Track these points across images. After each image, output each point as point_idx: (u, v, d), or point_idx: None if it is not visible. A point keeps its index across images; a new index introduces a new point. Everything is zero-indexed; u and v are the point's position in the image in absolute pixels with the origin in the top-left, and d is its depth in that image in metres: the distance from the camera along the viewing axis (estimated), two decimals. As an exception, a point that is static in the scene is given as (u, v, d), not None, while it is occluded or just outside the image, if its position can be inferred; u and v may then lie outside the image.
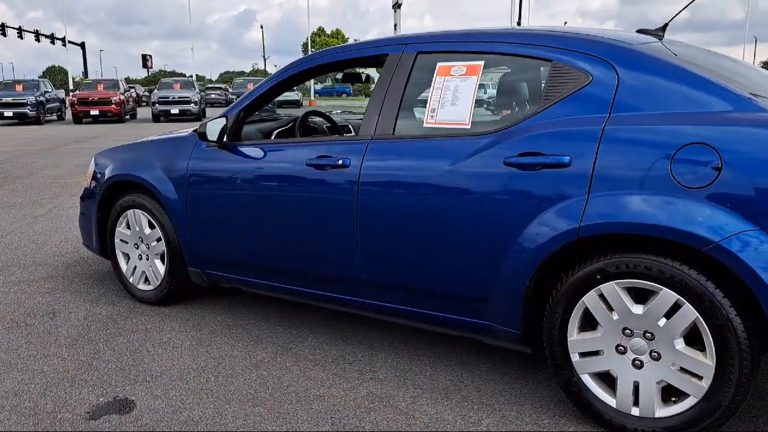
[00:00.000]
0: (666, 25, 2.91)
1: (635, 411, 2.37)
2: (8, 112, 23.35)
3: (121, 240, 4.06)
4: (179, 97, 24.70)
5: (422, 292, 2.89)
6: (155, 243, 3.87)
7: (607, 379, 2.47)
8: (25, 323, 3.68)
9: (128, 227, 4.00)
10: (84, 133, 18.77)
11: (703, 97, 2.34)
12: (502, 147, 2.59)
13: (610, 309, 2.38)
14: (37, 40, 45.33)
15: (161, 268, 3.87)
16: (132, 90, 29.26)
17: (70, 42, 46.59)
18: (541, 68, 2.91)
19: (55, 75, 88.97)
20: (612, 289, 2.35)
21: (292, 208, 3.19)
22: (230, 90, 38.21)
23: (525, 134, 2.56)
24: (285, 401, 2.76)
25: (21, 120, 23.64)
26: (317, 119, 4.21)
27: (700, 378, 2.24)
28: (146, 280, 3.98)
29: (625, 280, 2.32)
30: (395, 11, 29.69)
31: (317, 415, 2.64)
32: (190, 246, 3.66)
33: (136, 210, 3.91)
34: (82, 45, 51.03)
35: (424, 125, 2.88)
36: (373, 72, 4.25)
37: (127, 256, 4.07)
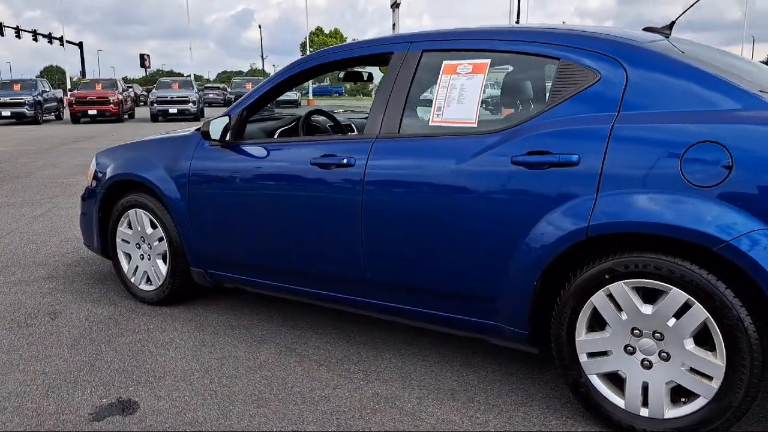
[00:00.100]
0: (673, 23, 2.89)
1: (644, 412, 2.35)
2: (6, 112, 23.28)
3: (123, 240, 4.03)
4: (178, 97, 24.66)
5: (427, 292, 2.87)
6: (157, 243, 3.84)
7: (616, 380, 2.45)
8: (26, 324, 3.65)
9: (130, 227, 3.98)
10: (82, 133, 18.72)
11: (712, 95, 2.32)
12: (509, 146, 2.57)
13: (619, 309, 2.36)
14: (35, 39, 45.29)
15: (163, 268, 3.84)
16: (130, 89, 29.20)
17: (67, 42, 46.52)
18: (549, 66, 2.88)
19: (53, 75, 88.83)
20: (621, 288, 2.33)
21: (295, 208, 3.16)
22: (228, 90, 38.13)
23: (532, 133, 2.54)
24: (290, 402, 2.74)
25: (19, 120, 23.58)
26: (320, 118, 4.18)
27: (710, 378, 2.22)
28: (148, 280, 3.95)
29: (634, 280, 2.30)
30: (394, 11, 29.70)
31: (323, 416, 2.62)
32: (193, 246, 3.64)
33: (137, 209, 3.88)
34: (80, 45, 50.98)
35: (430, 124, 2.86)
36: (373, 70, 4.23)
37: (128, 256, 4.04)
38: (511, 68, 3.11)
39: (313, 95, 45.31)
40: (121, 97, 24.66)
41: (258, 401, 2.75)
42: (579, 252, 2.46)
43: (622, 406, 2.41)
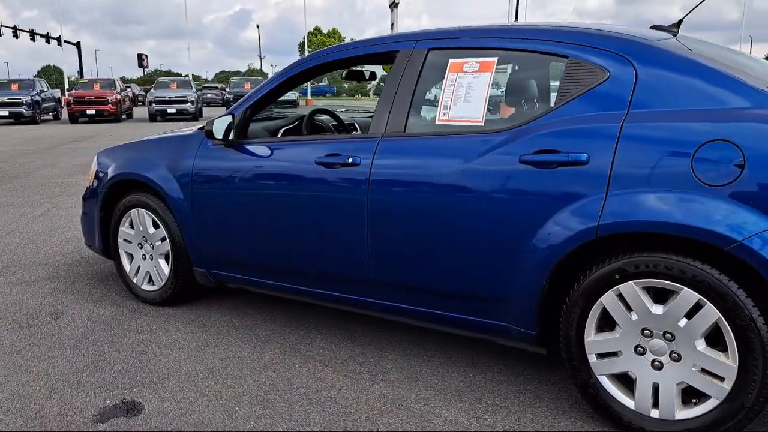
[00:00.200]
0: (681, 21, 2.87)
1: (655, 413, 2.33)
2: (4, 112, 23.20)
3: (125, 240, 4.00)
4: (176, 97, 24.62)
5: (433, 292, 2.85)
6: (159, 243, 3.81)
7: (625, 381, 2.43)
8: (28, 324, 3.62)
9: (132, 227, 3.95)
10: (81, 133, 18.67)
11: (722, 94, 2.30)
12: (517, 145, 2.55)
13: (629, 309, 2.34)
14: (33, 39, 45.22)
15: (166, 268, 3.82)
16: (128, 89, 29.15)
17: (65, 41, 46.44)
18: (557, 64, 2.86)
19: (50, 74, 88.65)
20: (631, 288, 2.31)
21: (300, 207, 3.14)
22: (227, 90, 38.13)
23: (541, 132, 2.52)
24: (296, 403, 2.71)
25: (17, 119, 23.51)
26: (324, 117, 4.16)
27: (722, 379, 2.20)
28: (150, 280, 3.93)
29: (644, 280, 2.28)
30: (392, 11, 29.63)
31: (329, 418, 2.60)
32: (196, 245, 3.61)
33: (140, 209, 3.85)
34: (78, 44, 50.91)
35: (437, 123, 2.83)
36: (375, 69, 4.21)
37: (130, 256, 4.02)
38: (516, 67, 3.08)
39: (312, 95, 45.23)
40: (119, 96, 24.61)
41: (263, 402, 2.73)
42: (588, 252, 2.44)
43: (632, 407, 2.38)
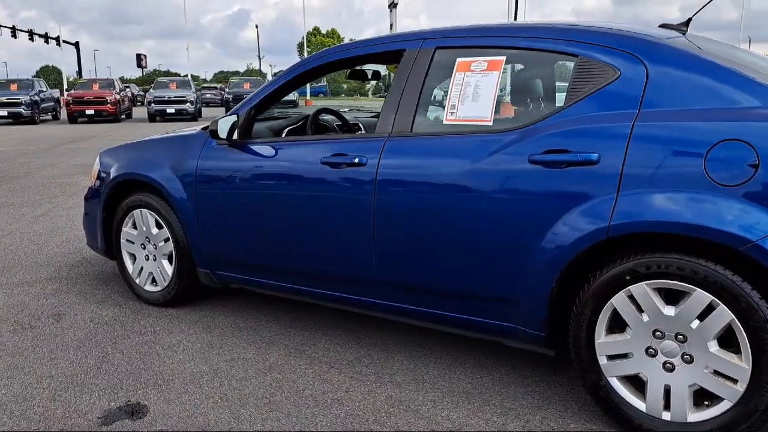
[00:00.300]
0: (690, 19, 2.85)
1: (666, 415, 2.31)
2: (3, 112, 23.16)
3: (128, 240, 3.97)
4: (175, 97, 24.58)
5: (439, 292, 2.82)
6: (163, 243, 3.78)
7: (636, 383, 2.40)
8: (30, 325, 3.59)
9: (135, 227, 3.92)
10: (80, 133, 18.63)
11: (733, 93, 2.28)
12: (526, 144, 2.52)
13: (640, 310, 2.31)
14: (31, 39, 45.18)
15: (169, 269, 3.79)
16: (127, 89, 29.10)
17: (64, 41, 46.38)
18: (566, 63, 2.84)
19: (49, 74, 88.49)
20: (642, 290, 2.28)
21: (305, 208, 3.11)
22: (226, 90, 38.12)
23: (550, 131, 2.49)
24: (302, 406, 2.69)
25: (15, 119, 23.46)
26: (328, 117, 4.13)
27: (735, 381, 2.18)
28: (153, 281, 3.90)
29: (656, 281, 2.26)
30: (391, 11, 29.60)
31: (337, 420, 2.57)
32: (200, 246, 3.58)
33: (143, 209, 3.83)
34: (76, 44, 50.86)
35: (444, 122, 2.81)
36: (378, 68, 4.18)
37: (133, 257, 3.99)
38: (525, 66, 3.06)
39: (310, 95, 45.11)
40: (118, 97, 24.58)
41: (270, 405, 2.70)
42: (598, 252, 2.41)
43: (643, 410, 2.36)
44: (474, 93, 2.75)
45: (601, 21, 2.86)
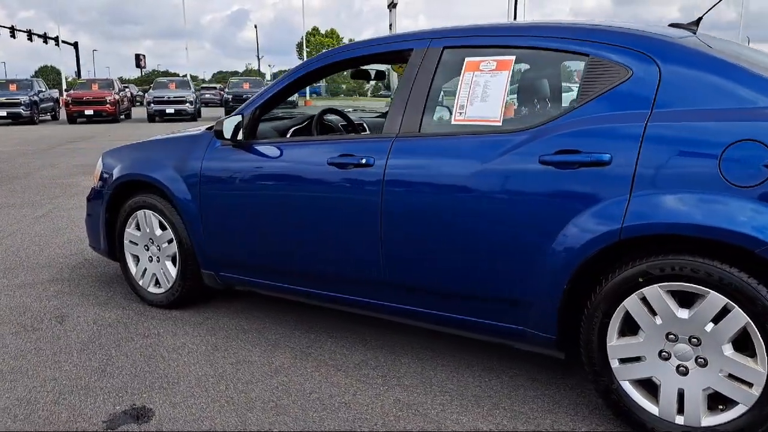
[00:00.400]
0: (700, 18, 2.83)
1: (680, 420, 2.28)
2: (2, 112, 23.10)
3: (131, 241, 3.94)
4: (175, 97, 24.53)
5: (449, 295, 2.79)
6: (166, 244, 3.75)
7: (649, 387, 2.37)
8: (33, 328, 3.56)
9: (138, 228, 3.89)
10: (79, 133, 18.59)
11: (747, 92, 2.25)
12: (536, 144, 2.49)
13: (653, 313, 2.28)
14: (30, 39, 45.09)
15: (173, 271, 3.76)
16: (127, 90, 29.05)
17: (63, 41, 46.31)
18: (570, 63, 2.81)
19: (48, 75, 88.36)
20: (656, 292, 2.25)
21: (312, 209, 3.08)
22: (226, 90, 38.08)
23: (561, 131, 2.46)
24: (310, 409, 2.66)
25: (15, 120, 23.39)
26: (333, 117, 4.10)
27: (750, 385, 2.15)
28: (157, 282, 3.87)
29: (669, 283, 2.23)
30: (390, 11, 29.56)
31: (345, 424, 2.54)
32: (204, 247, 3.55)
33: (146, 211, 3.79)
34: (75, 45, 50.79)
35: (453, 122, 2.78)
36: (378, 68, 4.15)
37: (136, 258, 3.95)
38: (533, 65, 3.03)
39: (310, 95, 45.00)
40: (117, 97, 24.53)
41: (277, 408, 2.67)
42: (611, 254, 2.38)
43: (656, 414, 2.33)
44: (483, 93, 2.72)
45: (609, 20, 2.83)
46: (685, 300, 2.24)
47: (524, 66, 2.99)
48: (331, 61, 3.28)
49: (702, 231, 2.14)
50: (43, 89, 26.15)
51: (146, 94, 26.82)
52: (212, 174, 3.43)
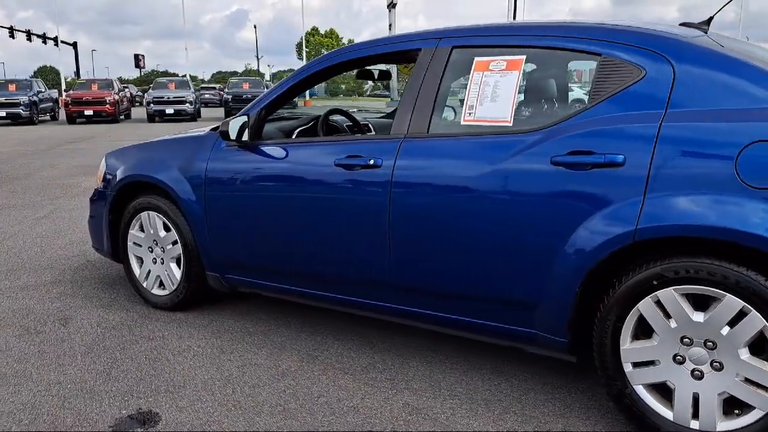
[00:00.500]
0: (711, 18, 2.80)
1: (695, 424, 2.24)
2: (1, 113, 23.05)
3: (135, 243, 3.90)
4: (174, 97, 24.49)
5: (457, 298, 2.76)
6: (171, 246, 3.72)
7: (663, 391, 2.34)
8: (36, 330, 3.52)
9: (142, 230, 3.85)
10: (79, 134, 18.54)
11: (762, 92, 2.22)
12: (548, 145, 2.46)
13: (668, 316, 2.25)
14: (29, 39, 44.98)
15: (177, 272, 3.72)
16: (126, 90, 29.00)
17: (62, 42, 46.25)
18: (575, 63, 2.78)
19: (47, 75, 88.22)
20: (670, 295, 2.22)
21: (318, 210, 3.05)
22: (225, 90, 38.04)
23: (573, 132, 2.43)
24: (318, 413, 2.63)
25: (14, 120, 23.34)
26: (338, 118, 4.07)
27: (766, 390, 2.12)
28: (161, 284, 3.83)
29: (684, 286, 2.20)
30: (390, 11, 29.54)
31: (354, 428, 2.51)
32: (209, 249, 3.52)
33: (150, 212, 3.76)
34: (74, 45, 50.73)
35: (462, 123, 2.75)
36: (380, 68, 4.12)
37: (140, 260, 3.92)
38: (543, 65, 2.99)
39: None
40: (117, 97, 24.48)
41: (284, 412, 2.63)
42: (624, 257, 2.35)
43: (671, 418, 2.30)
44: (493, 93, 2.68)
45: (616, 20, 2.80)
46: (700, 303, 2.21)
47: (534, 66, 2.95)
48: (338, 61, 3.25)
49: (718, 233, 2.10)
50: (43, 89, 26.10)
51: (146, 95, 26.76)
52: (217, 175, 3.40)
